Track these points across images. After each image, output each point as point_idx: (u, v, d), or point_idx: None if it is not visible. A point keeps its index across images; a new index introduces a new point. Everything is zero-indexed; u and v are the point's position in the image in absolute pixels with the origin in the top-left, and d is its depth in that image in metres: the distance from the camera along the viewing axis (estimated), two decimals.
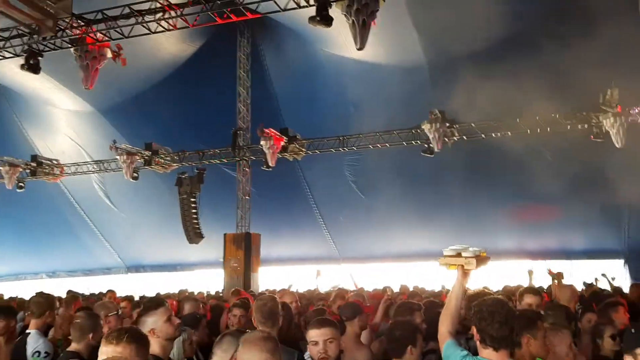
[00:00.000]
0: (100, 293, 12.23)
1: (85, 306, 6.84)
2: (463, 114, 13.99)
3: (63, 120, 18.63)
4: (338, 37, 12.80)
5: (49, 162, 18.62)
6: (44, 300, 5.35)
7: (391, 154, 15.82)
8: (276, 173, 16.02)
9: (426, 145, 14.29)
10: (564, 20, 12.86)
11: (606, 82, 12.10)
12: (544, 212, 15.33)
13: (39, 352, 4.72)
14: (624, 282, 13.82)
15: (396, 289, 10.62)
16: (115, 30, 11.42)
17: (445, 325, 3.21)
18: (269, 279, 16.97)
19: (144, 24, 11.14)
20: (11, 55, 12.37)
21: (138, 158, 16.74)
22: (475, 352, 3.06)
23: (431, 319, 3.95)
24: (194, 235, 17.24)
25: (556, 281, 6.94)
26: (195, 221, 17.19)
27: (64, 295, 10.03)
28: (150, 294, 13.94)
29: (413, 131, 14.76)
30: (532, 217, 15.54)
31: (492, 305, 2.98)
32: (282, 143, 15.34)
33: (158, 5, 10.89)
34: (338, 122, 15.99)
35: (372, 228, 18.15)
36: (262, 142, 15.00)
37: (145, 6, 11.03)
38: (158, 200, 19.31)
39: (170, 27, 11.25)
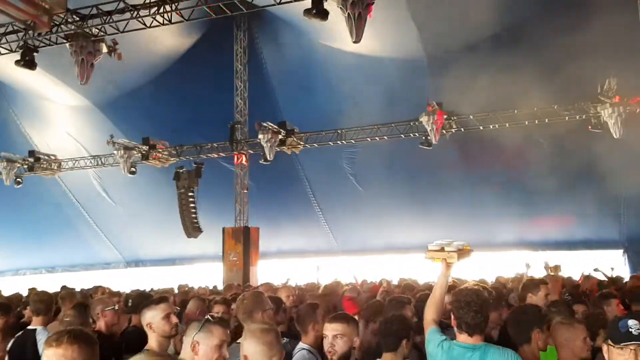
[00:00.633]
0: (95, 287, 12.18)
1: (81, 303, 6.85)
2: (461, 106, 13.97)
3: (60, 115, 18.59)
4: (335, 30, 12.74)
5: (46, 157, 18.61)
6: (47, 298, 5.48)
7: (389, 146, 15.81)
8: (274, 166, 16.01)
9: (424, 138, 14.27)
10: (561, 11, 12.83)
11: (604, 73, 12.08)
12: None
13: None
14: (624, 272, 13.86)
15: (395, 282, 10.62)
16: (110, 25, 11.38)
17: (429, 314, 3.50)
18: (268, 272, 16.98)
19: (139, 19, 11.09)
20: (7, 51, 12.33)
21: (135, 153, 16.74)
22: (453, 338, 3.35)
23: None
24: (192, 229, 17.23)
25: (552, 274, 6.93)
26: (194, 215, 17.18)
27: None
28: (150, 288, 13.92)
29: (411, 123, 14.74)
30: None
31: (467, 295, 3.27)
32: (280, 136, 15.31)
33: None
34: (336, 115, 15.95)
35: (371, 220, 18.15)
36: (260, 136, 14.98)
37: (140, 0, 10.99)
38: (156, 194, 19.30)
39: (166, 22, 11.21)
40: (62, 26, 11.15)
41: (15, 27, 11.60)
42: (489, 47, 13.14)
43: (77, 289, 10.72)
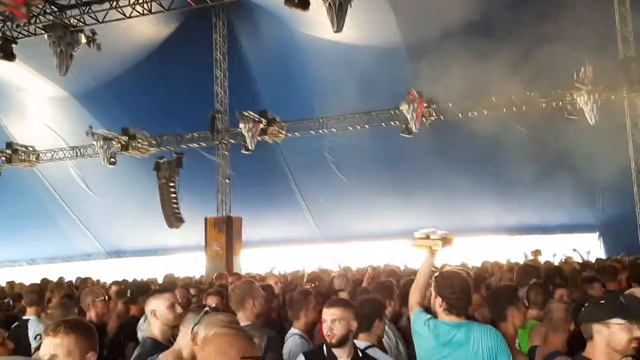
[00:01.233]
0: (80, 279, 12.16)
1: (69, 294, 6.89)
2: (439, 94, 14.11)
3: (37, 106, 18.37)
4: (315, 19, 12.78)
5: (24, 149, 18.38)
6: (39, 289, 5.93)
7: (371, 135, 15.92)
8: (256, 156, 16.03)
9: (404, 126, 14.40)
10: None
11: (579, 60, 12.29)
12: None
13: (40, 334, 4.98)
14: (600, 255, 14.22)
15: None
16: (90, 16, 11.27)
17: (414, 297, 3.72)
18: (251, 261, 17.05)
19: (119, 9, 11.01)
20: None
21: (115, 143, 16.62)
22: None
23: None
24: (174, 219, 17.19)
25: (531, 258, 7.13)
26: (175, 205, 17.13)
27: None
28: (133, 279, 13.90)
29: (392, 112, 14.86)
30: None
31: (450, 277, 3.56)
32: (262, 126, 15.32)
33: None
34: (317, 104, 16.01)
35: (353, 208, 18.31)
36: (241, 125, 14.97)
37: None
38: (137, 185, 19.20)
39: (146, 12, 11.14)
40: (40, 17, 11.03)
41: None
42: (465, 35, 13.26)
43: (58, 280, 10.71)
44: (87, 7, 11.07)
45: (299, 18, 13.70)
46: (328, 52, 15.22)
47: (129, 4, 10.95)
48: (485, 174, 16.00)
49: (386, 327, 4.17)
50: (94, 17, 11.31)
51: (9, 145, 18.11)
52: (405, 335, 4.28)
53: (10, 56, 11.59)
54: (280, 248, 19.40)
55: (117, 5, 10.97)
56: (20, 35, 11.77)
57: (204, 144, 17.35)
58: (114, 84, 16.83)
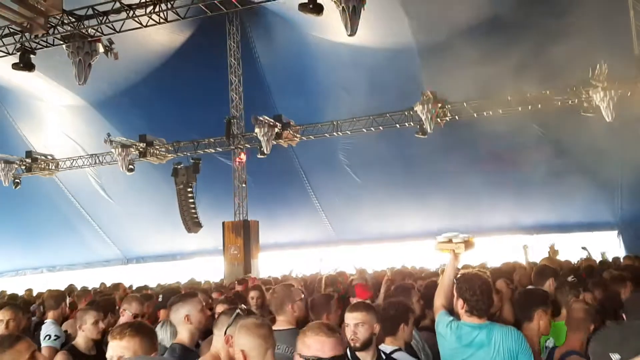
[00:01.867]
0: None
1: (94, 300, 7.03)
2: (453, 94, 14.10)
3: (56, 115, 18.62)
4: (327, 22, 12.82)
5: (43, 157, 18.66)
6: (57, 295, 6.05)
7: (385, 136, 15.95)
8: (271, 160, 16.13)
9: (419, 127, 14.41)
10: None
11: (594, 57, 12.22)
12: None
13: (49, 335, 5.25)
14: (619, 253, 14.09)
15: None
16: (107, 25, 11.44)
17: (439, 300, 3.80)
18: (268, 265, 17.15)
19: (135, 18, 11.17)
20: (4, 54, 12.38)
21: (133, 150, 16.81)
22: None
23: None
24: (192, 224, 17.38)
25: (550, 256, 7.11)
26: (193, 210, 17.33)
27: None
28: (152, 284, 14.06)
29: (406, 113, 14.88)
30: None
31: (470, 280, 3.59)
32: (276, 130, 15.43)
33: None
34: (331, 107, 16.08)
35: (368, 210, 18.33)
36: (256, 130, 15.09)
37: (136, 0, 11.06)
38: (155, 191, 19.41)
39: (162, 20, 11.28)
40: (58, 27, 11.22)
41: (12, 30, 11.65)
42: (477, 34, 13.22)
43: (82, 287, 10.88)
44: (105, 17, 11.22)
45: (311, 21, 13.74)
46: (341, 54, 15.28)
47: (145, 14, 11.08)
48: (500, 174, 15.95)
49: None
50: (112, 26, 11.47)
51: (29, 154, 18.39)
52: (426, 338, 4.32)
53: (29, 67, 11.79)
54: (296, 251, 19.47)
55: (134, 15, 11.11)
56: (39, 46, 11.96)
57: (220, 149, 17.49)
58: (130, 91, 17.02)
